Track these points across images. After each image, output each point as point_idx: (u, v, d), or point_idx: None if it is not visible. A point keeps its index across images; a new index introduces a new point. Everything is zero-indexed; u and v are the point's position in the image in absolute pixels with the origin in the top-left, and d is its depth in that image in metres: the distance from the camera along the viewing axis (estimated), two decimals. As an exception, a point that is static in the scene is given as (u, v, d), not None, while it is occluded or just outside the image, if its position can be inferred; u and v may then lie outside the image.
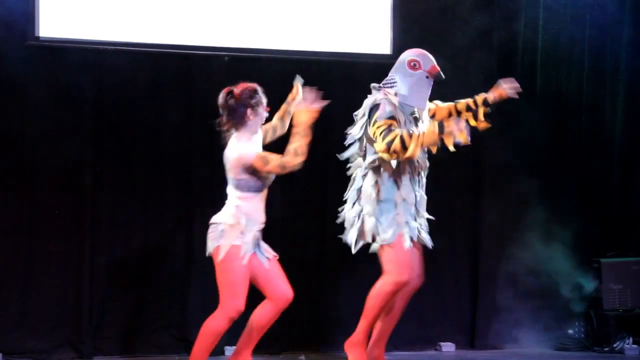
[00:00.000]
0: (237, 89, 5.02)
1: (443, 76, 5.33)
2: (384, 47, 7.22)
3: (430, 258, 7.23)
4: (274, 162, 4.89)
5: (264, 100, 5.07)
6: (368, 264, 7.15)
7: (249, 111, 5.00)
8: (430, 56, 5.36)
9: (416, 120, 5.31)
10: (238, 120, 5.01)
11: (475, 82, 7.31)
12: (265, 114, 5.11)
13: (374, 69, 7.11)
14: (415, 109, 5.33)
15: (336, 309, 7.10)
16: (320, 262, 7.12)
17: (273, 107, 5.26)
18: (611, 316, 7.14)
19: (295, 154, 4.89)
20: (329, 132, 7.15)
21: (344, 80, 7.11)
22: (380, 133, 5.08)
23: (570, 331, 7.36)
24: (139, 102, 6.81)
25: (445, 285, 7.30)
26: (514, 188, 7.46)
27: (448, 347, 7.19)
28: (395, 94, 5.26)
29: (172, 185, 6.81)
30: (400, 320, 7.13)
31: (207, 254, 5.02)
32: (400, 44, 7.18)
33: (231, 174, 5.00)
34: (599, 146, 7.61)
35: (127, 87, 6.76)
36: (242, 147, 4.96)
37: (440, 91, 7.12)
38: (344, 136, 7.12)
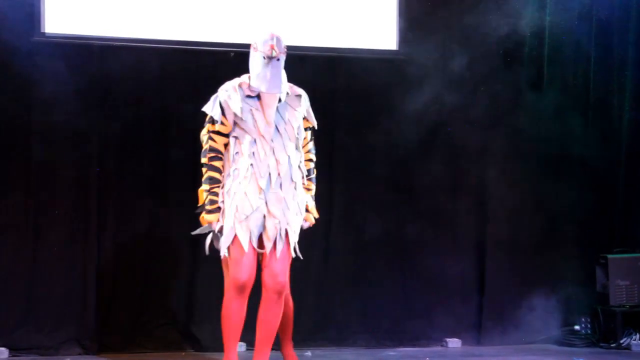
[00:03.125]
0: None
1: (277, 54, 4.97)
2: (389, 42, 7.19)
3: (437, 254, 7.28)
4: None
5: None
6: (371, 257, 7.20)
7: None
8: (273, 35, 5.02)
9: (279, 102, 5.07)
10: None
11: (480, 76, 7.31)
12: None
13: (379, 65, 7.13)
14: (263, 94, 5.02)
15: (343, 304, 7.08)
16: (325, 257, 7.10)
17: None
18: (618, 312, 7.12)
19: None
20: (334, 128, 7.15)
21: (349, 76, 7.10)
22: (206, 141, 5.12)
23: (577, 327, 7.33)
24: (145, 97, 6.80)
25: (451, 281, 7.27)
26: (519, 184, 7.43)
27: (454, 343, 7.17)
28: (242, 82, 5.08)
29: (179, 181, 6.80)
30: (406, 316, 7.18)
31: None
32: (406, 39, 7.18)
33: None
34: (605, 142, 7.57)
35: (133, 83, 6.75)
36: None
37: (445, 85, 7.16)
38: (348, 131, 7.16)
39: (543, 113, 7.45)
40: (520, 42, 7.39)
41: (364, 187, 7.19)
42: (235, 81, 5.13)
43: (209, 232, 5.26)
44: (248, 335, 5.61)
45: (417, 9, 7.23)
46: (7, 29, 6.43)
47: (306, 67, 6.93)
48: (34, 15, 6.58)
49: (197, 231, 5.31)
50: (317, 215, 5.36)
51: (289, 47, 6.87)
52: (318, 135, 6.44)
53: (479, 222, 7.38)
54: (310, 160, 5.31)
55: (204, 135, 5.19)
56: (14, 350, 6.45)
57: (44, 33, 6.60)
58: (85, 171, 6.71)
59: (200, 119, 5.34)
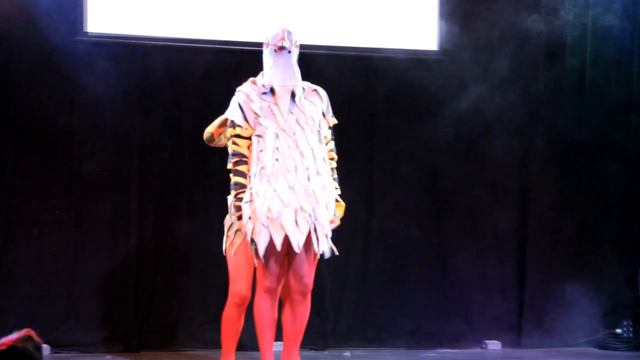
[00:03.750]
0: None
1: (287, 45, 4.92)
2: (430, 43, 7.16)
3: (476, 255, 7.25)
4: None
5: None
6: (410, 258, 7.18)
7: None
8: (284, 29, 4.99)
9: (294, 97, 4.97)
10: None
11: (522, 78, 7.26)
12: None
13: (419, 65, 7.11)
14: (276, 87, 4.98)
15: (381, 305, 7.07)
16: (365, 257, 7.09)
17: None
18: (660, 316, 7.06)
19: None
20: (373, 128, 7.15)
21: (389, 76, 7.08)
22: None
23: (619, 330, 7.26)
24: (186, 97, 6.84)
25: (492, 282, 7.24)
26: (560, 186, 7.38)
27: (494, 345, 7.12)
28: (258, 80, 5.05)
29: (218, 181, 6.83)
30: (446, 318, 7.15)
31: None
32: (447, 40, 7.15)
33: None
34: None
35: (175, 82, 6.79)
36: None
37: (485, 85, 7.13)
38: (387, 132, 7.15)
39: (585, 112, 7.38)
40: (562, 41, 7.33)
41: (403, 188, 7.17)
42: (250, 80, 5.10)
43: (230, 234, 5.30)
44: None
45: (458, 8, 7.18)
46: (50, 28, 6.49)
47: (345, 67, 6.93)
48: (76, 15, 6.63)
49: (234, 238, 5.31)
50: (341, 215, 5.16)
51: (330, 47, 6.90)
52: (358, 137, 6.47)
53: (519, 222, 7.33)
54: (332, 159, 5.17)
55: (227, 140, 5.15)
56: (55, 347, 6.51)
57: (87, 32, 6.65)
58: (127, 170, 6.76)
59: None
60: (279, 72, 4.95)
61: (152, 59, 6.73)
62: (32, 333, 3.08)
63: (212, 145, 5.58)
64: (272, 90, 4.97)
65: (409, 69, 7.05)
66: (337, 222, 5.07)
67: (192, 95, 6.84)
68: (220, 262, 6.74)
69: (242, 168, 4.95)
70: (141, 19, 6.74)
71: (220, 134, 5.44)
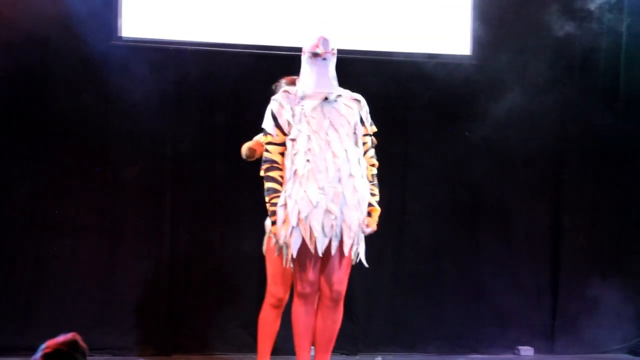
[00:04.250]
0: None
1: (319, 51, 4.95)
2: (463, 47, 7.15)
3: (510, 259, 7.22)
4: None
5: None
6: (444, 263, 7.16)
7: None
8: (321, 36, 4.99)
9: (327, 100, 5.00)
10: None
11: (556, 82, 7.23)
12: None
13: (453, 70, 7.09)
14: (307, 95, 5.00)
15: (413, 310, 7.06)
16: (397, 262, 7.08)
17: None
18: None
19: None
20: (406, 133, 7.14)
21: (423, 81, 7.07)
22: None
23: (655, 338, 7.23)
24: (219, 101, 6.85)
25: (525, 287, 7.21)
26: (595, 189, 7.34)
27: (527, 351, 7.09)
28: (294, 86, 5.11)
29: (250, 185, 6.84)
30: (479, 323, 7.13)
31: None
32: (481, 44, 7.13)
33: None
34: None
35: (208, 87, 6.81)
36: None
37: (521, 89, 7.10)
38: (421, 138, 7.14)
39: (620, 116, 7.34)
40: (597, 46, 7.30)
41: (435, 193, 7.15)
42: (284, 87, 5.14)
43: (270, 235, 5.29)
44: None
45: (492, 13, 7.16)
46: (85, 33, 6.52)
47: (377, 72, 6.93)
48: (111, 20, 6.66)
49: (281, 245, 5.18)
50: (376, 221, 5.12)
51: (363, 52, 6.88)
52: (390, 142, 6.45)
53: (552, 227, 7.30)
54: (373, 165, 5.16)
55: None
56: (88, 350, 6.51)
57: (122, 37, 6.68)
58: (161, 175, 6.79)
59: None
60: (313, 79, 4.99)
61: (187, 63, 6.74)
62: (78, 338, 3.10)
63: (251, 160, 5.59)
64: (307, 96, 4.99)
65: (442, 74, 7.03)
66: (374, 227, 5.05)
67: (227, 100, 6.85)
68: (253, 267, 6.79)
69: (273, 174, 4.97)
70: (176, 23, 6.75)
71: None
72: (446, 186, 7.16)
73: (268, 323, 5.41)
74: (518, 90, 7.11)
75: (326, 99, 4.98)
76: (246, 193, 6.79)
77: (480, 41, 7.13)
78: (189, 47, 6.77)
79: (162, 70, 6.69)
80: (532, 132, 7.23)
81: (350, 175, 4.91)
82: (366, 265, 5.11)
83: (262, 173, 5.04)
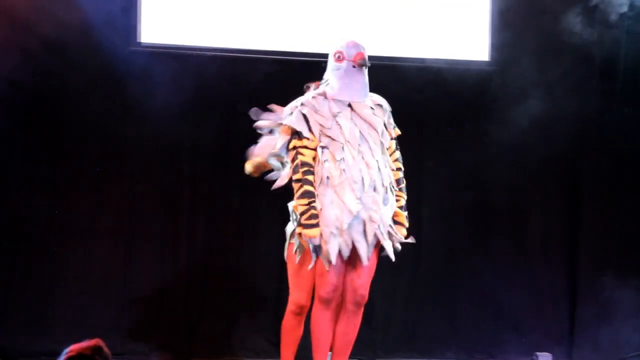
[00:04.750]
0: None
1: (368, 63, 5.01)
2: (481, 53, 7.15)
3: (528, 265, 7.21)
4: None
5: None
6: (460, 269, 7.15)
7: None
8: (356, 43, 5.05)
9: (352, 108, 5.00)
10: None
11: (574, 88, 7.21)
12: None
13: (471, 75, 7.08)
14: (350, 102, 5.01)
15: (431, 316, 7.05)
16: (414, 268, 7.07)
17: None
18: None
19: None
20: (423, 139, 7.13)
21: (440, 87, 7.06)
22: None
23: (676, 343, 7.19)
24: (237, 106, 6.85)
25: (543, 293, 7.20)
26: (612, 194, 7.32)
27: (545, 357, 7.04)
28: (324, 93, 5.03)
29: (269, 191, 6.83)
30: (496, 329, 7.11)
31: None
32: (499, 50, 7.12)
33: None
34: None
35: (227, 92, 6.82)
36: None
37: (539, 95, 7.09)
38: (437, 143, 7.13)
39: (637, 123, 7.31)
40: (615, 52, 7.28)
41: (452, 198, 7.15)
42: (316, 92, 5.09)
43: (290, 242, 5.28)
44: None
45: (510, 19, 7.14)
46: (104, 39, 6.54)
47: (395, 77, 6.92)
48: (130, 25, 6.69)
49: (297, 248, 5.18)
50: (407, 225, 5.18)
51: (379, 58, 6.89)
52: (407, 147, 6.43)
53: (570, 233, 7.28)
54: (399, 169, 5.17)
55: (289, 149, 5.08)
56: (112, 356, 6.53)
57: (140, 43, 6.70)
58: (178, 180, 6.80)
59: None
60: (357, 88, 5.00)
61: (206, 69, 6.74)
62: (102, 344, 3.10)
63: (256, 175, 5.54)
64: (341, 103, 4.98)
65: (460, 80, 7.03)
66: (403, 233, 5.06)
67: (246, 106, 6.84)
68: (270, 272, 6.79)
69: (310, 177, 4.91)
70: (195, 29, 6.77)
71: (271, 156, 5.37)
72: (462, 192, 7.15)
73: (290, 330, 5.36)
74: (535, 95, 7.09)
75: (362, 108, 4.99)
76: (263, 199, 6.79)
77: (498, 47, 7.12)
78: (207, 52, 6.78)
79: (180, 76, 6.70)
80: (550, 138, 7.21)
81: (383, 185, 4.94)
82: (393, 259, 5.06)
83: (298, 177, 4.92)
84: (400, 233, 5.04)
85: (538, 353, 7.07)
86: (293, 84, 6.85)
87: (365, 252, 4.87)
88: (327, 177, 4.90)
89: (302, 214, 4.87)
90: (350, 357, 5.18)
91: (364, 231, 4.87)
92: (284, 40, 6.87)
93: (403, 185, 5.14)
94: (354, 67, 4.97)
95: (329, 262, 4.85)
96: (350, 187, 4.86)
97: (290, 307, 5.35)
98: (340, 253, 4.85)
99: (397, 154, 5.17)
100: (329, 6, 6.93)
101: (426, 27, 7.07)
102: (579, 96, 7.23)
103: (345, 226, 4.83)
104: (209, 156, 6.86)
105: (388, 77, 6.88)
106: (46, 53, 6.56)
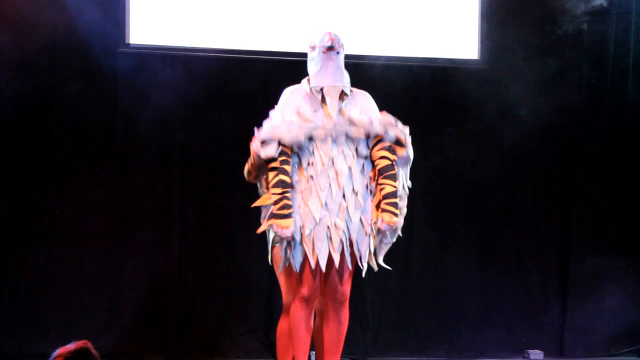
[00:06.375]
0: None
1: (339, 46, 4.96)
2: (471, 52, 7.15)
3: (519, 263, 7.21)
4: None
5: None
6: (451, 267, 7.15)
7: None
8: (328, 32, 5.02)
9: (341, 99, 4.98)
10: None
11: (564, 85, 7.22)
12: None
13: (460, 73, 7.09)
14: (325, 87, 4.96)
15: (422, 314, 7.05)
16: (406, 267, 7.08)
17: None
18: None
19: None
20: (412, 138, 7.11)
21: (431, 85, 7.07)
22: None
23: (667, 340, 7.21)
24: (228, 107, 6.86)
25: (534, 290, 7.20)
26: (604, 193, 7.32)
27: (536, 354, 7.07)
28: (308, 81, 5.04)
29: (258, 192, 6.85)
30: (488, 326, 7.11)
31: None
32: (488, 49, 7.13)
33: None
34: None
35: (216, 93, 6.83)
36: None
37: (528, 93, 7.09)
38: (428, 142, 7.13)
39: (628, 120, 7.32)
40: (605, 48, 7.29)
41: (443, 198, 7.16)
42: (297, 86, 5.09)
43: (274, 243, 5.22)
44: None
45: (500, 17, 7.16)
46: (93, 40, 6.55)
47: (386, 75, 6.93)
48: (119, 26, 6.68)
49: (272, 243, 5.12)
50: (397, 212, 4.92)
51: (372, 57, 6.88)
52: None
53: (561, 231, 7.29)
54: (384, 157, 4.97)
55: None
56: (100, 357, 6.53)
57: (129, 44, 6.70)
58: (169, 181, 6.79)
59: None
60: (329, 72, 4.96)
61: (195, 70, 6.75)
62: (90, 345, 3.10)
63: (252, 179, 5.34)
64: (320, 92, 4.95)
65: (449, 78, 7.04)
66: (390, 221, 4.90)
67: (235, 107, 6.85)
68: (261, 273, 6.78)
69: (287, 167, 4.85)
70: (183, 30, 6.77)
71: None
72: (453, 192, 7.15)
73: (287, 334, 5.18)
74: (525, 93, 7.11)
75: (342, 96, 4.95)
76: (255, 200, 6.78)
77: (487, 45, 7.12)
78: (197, 53, 6.77)
79: (170, 76, 6.70)
80: (541, 136, 7.22)
81: (353, 191, 4.90)
82: (388, 267, 5.11)
83: (275, 164, 4.83)
84: (386, 220, 4.89)
85: (529, 350, 7.09)
86: (283, 85, 6.87)
87: (324, 258, 4.82)
88: (297, 181, 4.87)
89: (274, 203, 4.80)
90: (342, 357, 5.16)
91: (330, 237, 4.84)
92: (274, 41, 6.87)
93: (391, 173, 4.96)
94: (324, 52, 4.96)
95: (302, 266, 4.85)
96: (317, 194, 4.84)
97: (296, 301, 5.05)
98: (308, 260, 4.84)
99: (387, 144, 5.01)
100: (318, 6, 6.94)
101: (414, 25, 7.07)
102: (569, 93, 7.24)
103: (307, 231, 4.81)
104: (199, 156, 6.85)
105: (377, 75, 6.90)
106: (35, 55, 6.56)
